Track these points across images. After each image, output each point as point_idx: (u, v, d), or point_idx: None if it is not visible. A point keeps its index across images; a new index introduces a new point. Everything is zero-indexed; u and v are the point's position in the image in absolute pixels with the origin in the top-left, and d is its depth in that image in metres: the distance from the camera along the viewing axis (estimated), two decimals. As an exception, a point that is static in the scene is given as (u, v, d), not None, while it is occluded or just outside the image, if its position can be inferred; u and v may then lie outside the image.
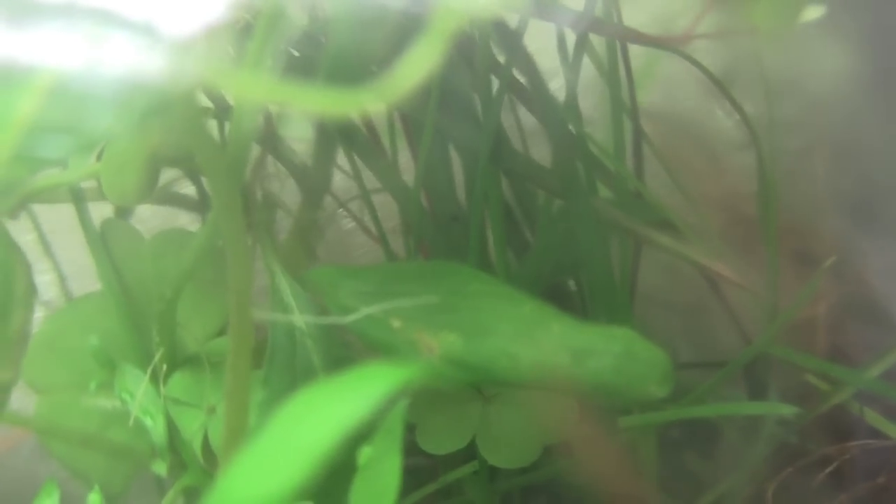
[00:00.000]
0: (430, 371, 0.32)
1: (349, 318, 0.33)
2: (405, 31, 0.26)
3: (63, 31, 0.23)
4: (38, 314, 0.41)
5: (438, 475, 0.40)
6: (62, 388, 0.40)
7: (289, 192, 0.42)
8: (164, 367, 0.38)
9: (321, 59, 0.32)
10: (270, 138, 0.40)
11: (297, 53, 0.36)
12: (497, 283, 0.34)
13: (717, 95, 0.45)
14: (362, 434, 0.24)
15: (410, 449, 0.31)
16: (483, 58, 0.39)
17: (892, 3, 0.42)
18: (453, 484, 0.40)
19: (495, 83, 0.39)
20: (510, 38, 0.39)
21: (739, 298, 0.44)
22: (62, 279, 0.45)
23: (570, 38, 0.40)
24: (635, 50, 0.42)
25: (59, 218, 0.43)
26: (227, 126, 0.37)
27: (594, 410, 0.36)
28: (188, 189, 0.44)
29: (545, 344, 0.32)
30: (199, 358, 0.39)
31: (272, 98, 0.27)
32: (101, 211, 0.41)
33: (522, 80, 0.40)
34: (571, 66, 0.40)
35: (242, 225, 0.32)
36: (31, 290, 0.33)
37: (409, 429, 0.37)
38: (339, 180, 0.44)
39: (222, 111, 0.38)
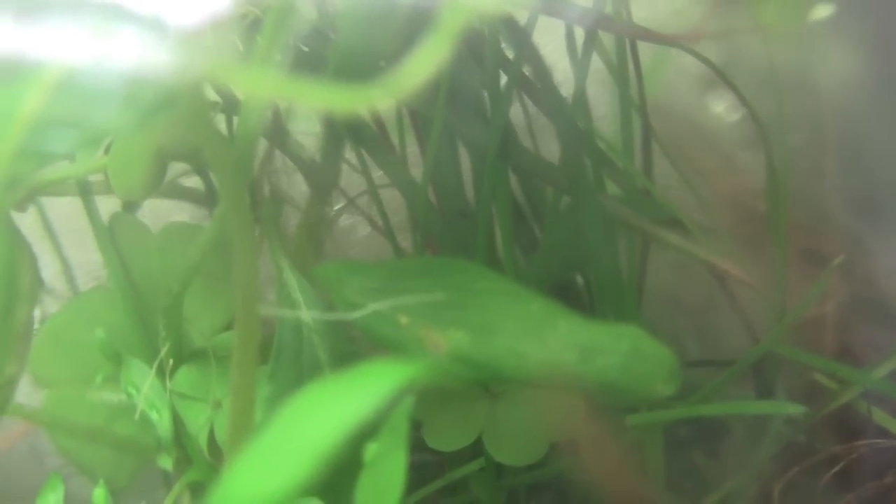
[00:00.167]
0: (437, 368, 0.32)
1: (356, 315, 0.33)
2: (414, 27, 0.26)
3: (70, 25, 0.23)
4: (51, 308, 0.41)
5: (445, 471, 0.40)
6: (68, 382, 0.40)
7: (297, 187, 0.42)
8: (171, 361, 0.38)
9: (330, 54, 0.32)
10: (278, 133, 0.40)
11: (305, 48, 0.36)
12: (504, 281, 0.34)
13: (712, 92, 0.45)
14: (368, 430, 0.24)
15: (417, 445, 0.31)
16: (492, 54, 0.39)
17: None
18: (459, 481, 0.40)
19: (504, 79, 0.39)
20: (519, 34, 0.39)
21: (748, 297, 0.44)
22: (69, 272, 0.45)
23: (580, 36, 0.40)
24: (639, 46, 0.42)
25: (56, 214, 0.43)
26: (235, 120, 0.37)
27: (601, 408, 0.36)
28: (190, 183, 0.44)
29: (552, 342, 0.32)
30: (205, 352, 0.39)
31: (280, 94, 0.27)
32: (100, 207, 0.40)
33: (531, 76, 0.40)
34: (580, 63, 0.40)
35: (250, 220, 0.32)
36: (37, 284, 0.33)
37: (416, 425, 0.37)
38: (347, 175, 0.44)
39: (230, 105, 0.38)
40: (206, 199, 0.44)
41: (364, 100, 0.24)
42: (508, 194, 0.40)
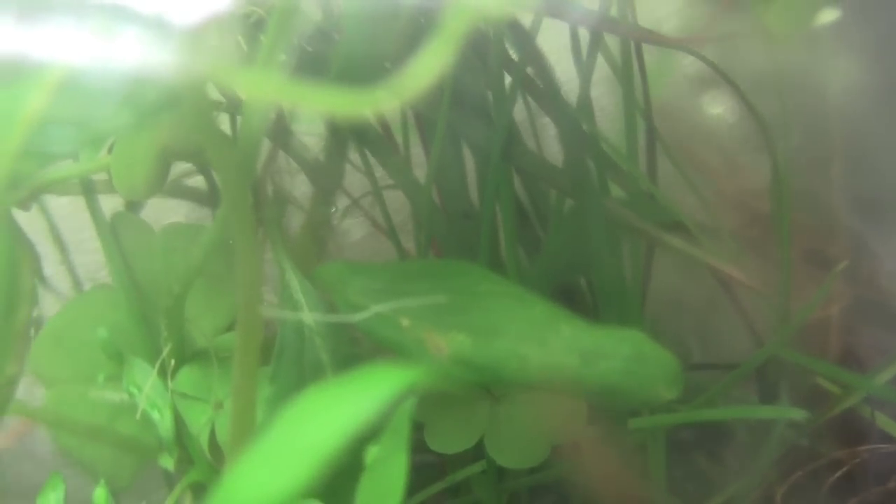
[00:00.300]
0: (439, 371, 0.32)
1: (358, 316, 0.33)
2: (418, 28, 0.26)
3: (73, 25, 0.22)
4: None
5: (446, 474, 0.40)
6: (70, 381, 0.40)
7: (300, 188, 0.42)
8: (173, 361, 0.38)
9: (334, 55, 0.32)
10: (282, 133, 0.40)
11: (309, 49, 0.36)
12: (507, 284, 0.34)
13: (712, 93, 0.45)
14: (370, 433, 0.24)
15: (418, 447, 0.31)
16: (496, 56, 0.39)
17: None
18: (461, 483, 0.40)
19: (508, 81, 0.39)
20: (524, 36, 0.39)
21: (752, 300, 0.44)
22: (72, 271, 0.45)
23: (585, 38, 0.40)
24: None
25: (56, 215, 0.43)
26: (239, 120, 0.37)
27: (603, 412, 0.36)
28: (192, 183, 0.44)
29: (555, 345, 0.32)
30: (207, 353, 0.39)
31: (284, 97, 0.27)
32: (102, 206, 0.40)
33: (536, 78, 0.40)
34: (585, 65, 0.40)
35: (252, 220, 0.32)
36: (38, 282, 0.33)
37: (418, 427, 0.37)
38: (351, 176, 0.44)
39: (234, 105, 0.38)
40: (209, 199, 0.43)
41: (368, 103, 0.24)
42: (512, 196, 0.40)
